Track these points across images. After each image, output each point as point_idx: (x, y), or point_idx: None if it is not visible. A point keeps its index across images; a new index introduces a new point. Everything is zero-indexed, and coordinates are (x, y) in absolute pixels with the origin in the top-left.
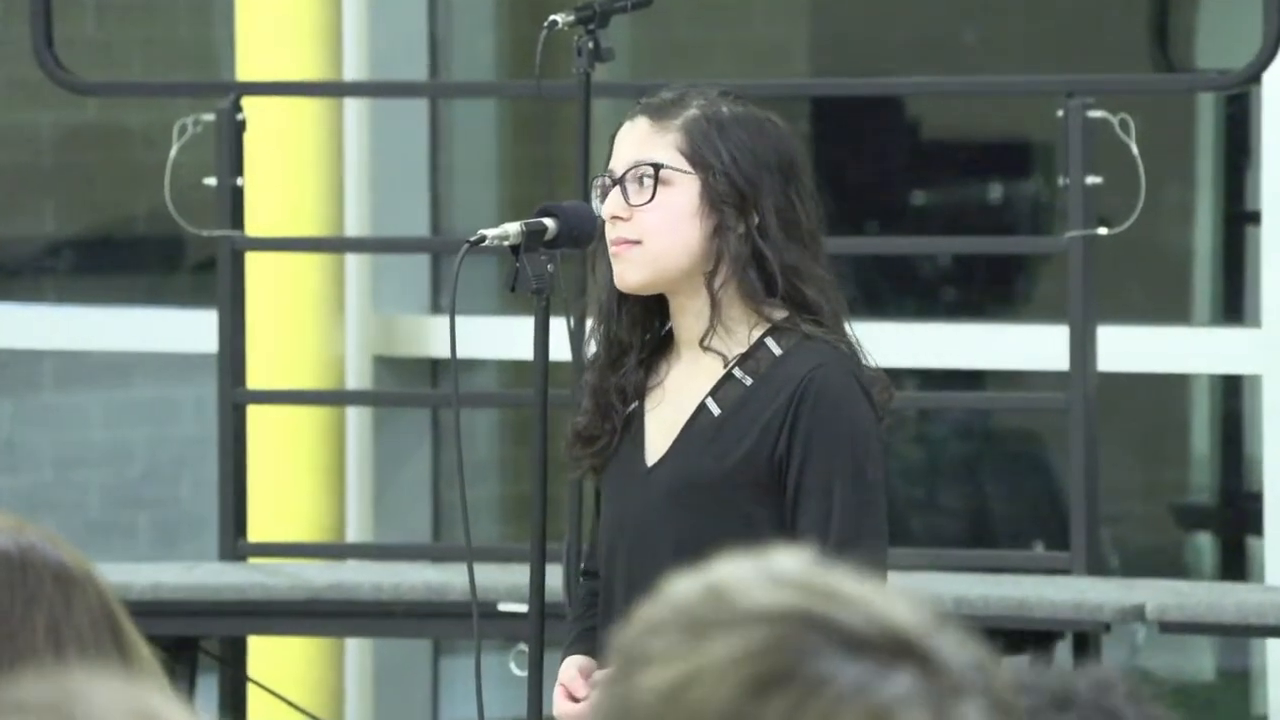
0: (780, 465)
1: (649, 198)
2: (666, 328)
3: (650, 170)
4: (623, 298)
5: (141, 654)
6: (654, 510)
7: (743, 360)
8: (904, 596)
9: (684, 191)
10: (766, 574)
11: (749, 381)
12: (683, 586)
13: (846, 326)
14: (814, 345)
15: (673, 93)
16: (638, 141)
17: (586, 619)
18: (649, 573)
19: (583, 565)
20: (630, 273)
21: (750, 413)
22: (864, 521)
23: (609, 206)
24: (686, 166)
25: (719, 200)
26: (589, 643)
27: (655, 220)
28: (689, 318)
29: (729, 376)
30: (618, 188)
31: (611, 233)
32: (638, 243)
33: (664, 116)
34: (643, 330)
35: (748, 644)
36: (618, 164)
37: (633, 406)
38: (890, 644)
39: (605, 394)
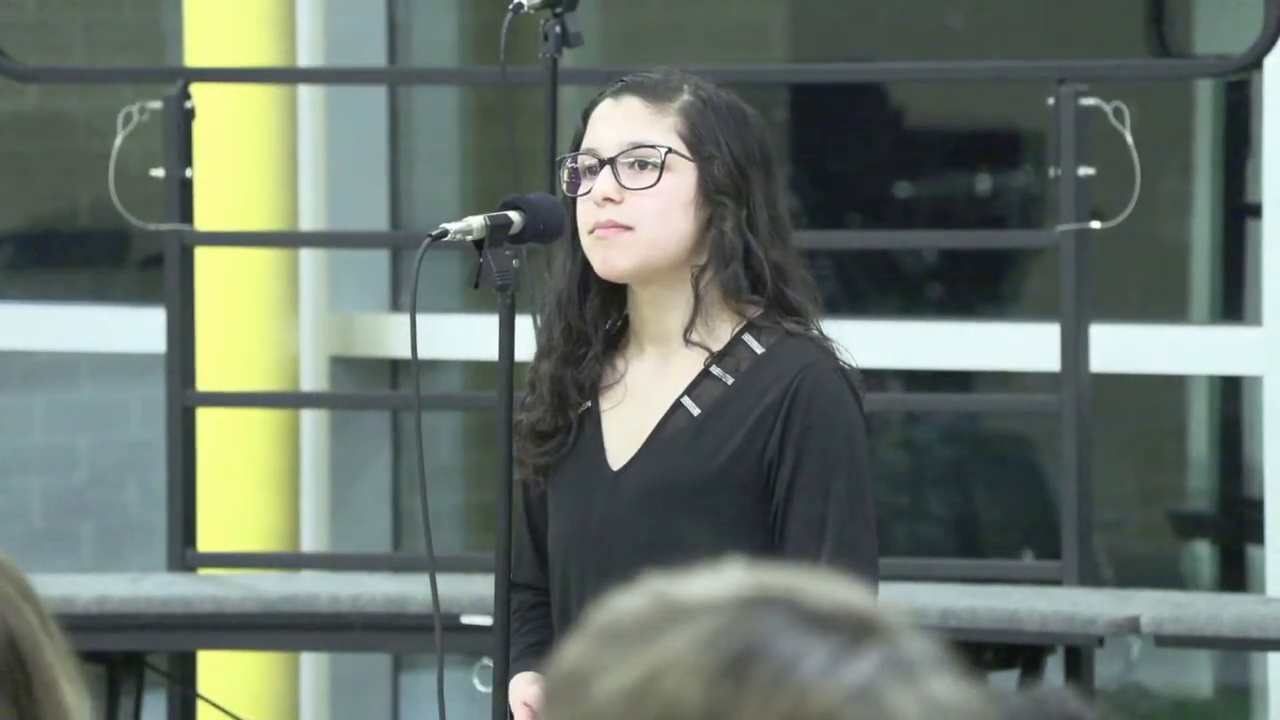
0: (770, 466)
1: (652, 181)
2: (617, 321)
3: (654, 153)
4: (586, 287)
5: (46, 681)
6: (624, 516)
7: (720, 358)
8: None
9: (682, 179)
10: (708, 577)
11: (730, 380)
12: (617, 603)
13: (821, 326)
14: (799, 343)
15: (658, 74)
16: (629, 122)
17: (526, 634)
18: (619, 582)
19: (511, 577)
20: (620, 259)
21: (735, 412)
22: (859, 527)
23: (602, 187)
24: (687, 153)
25: (714, 191)
26: (540, 659)
27: (651, 206)
28: (662, 311)
29: (706, 374)
30: (608, 168)
31: (598, 215)
32: (629, 228)
33: (659, 98)
34: (603, 323)
35: (707, 630)
36: (604, 144)
37: (585, 406)
38: (853, 622)
39: (563, 386)
